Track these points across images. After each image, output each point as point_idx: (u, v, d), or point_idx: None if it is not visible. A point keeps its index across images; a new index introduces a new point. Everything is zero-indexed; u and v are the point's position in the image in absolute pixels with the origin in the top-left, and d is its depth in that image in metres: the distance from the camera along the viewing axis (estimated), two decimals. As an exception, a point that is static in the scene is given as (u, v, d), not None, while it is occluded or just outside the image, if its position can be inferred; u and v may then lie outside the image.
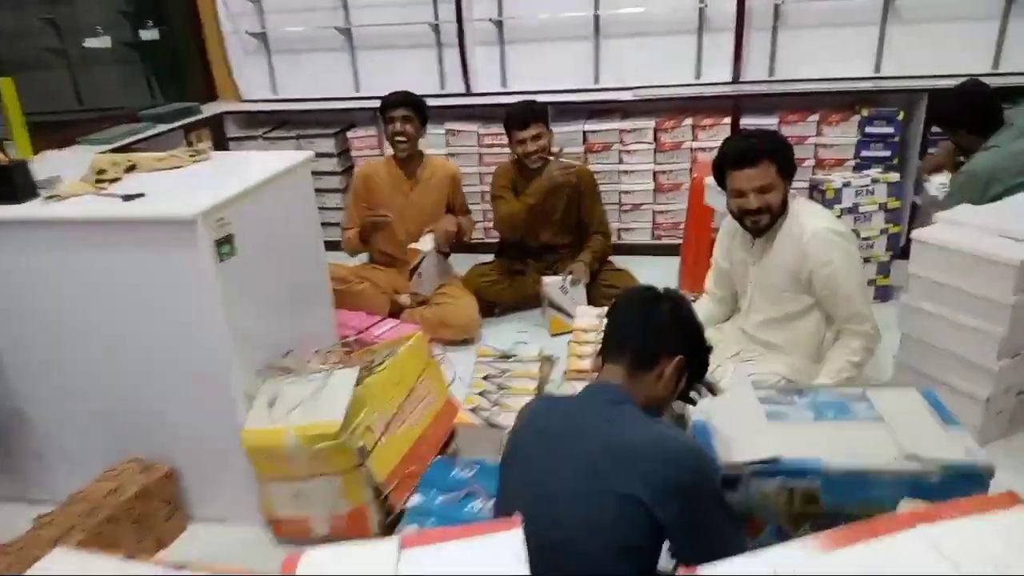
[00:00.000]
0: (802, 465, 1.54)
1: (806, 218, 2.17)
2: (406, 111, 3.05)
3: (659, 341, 1.48)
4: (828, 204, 3.00)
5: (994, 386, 2.16)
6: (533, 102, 3.18)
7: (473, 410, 2.26)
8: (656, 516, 1.24)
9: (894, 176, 3.01)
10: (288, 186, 2.19)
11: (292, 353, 2.13)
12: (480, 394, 2.36)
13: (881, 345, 2.26)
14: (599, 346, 1.56)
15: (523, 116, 3.06)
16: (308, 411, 1.92)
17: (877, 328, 2.18)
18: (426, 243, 3.08)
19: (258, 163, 2.21)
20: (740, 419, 1.71)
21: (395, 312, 3.11)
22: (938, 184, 2.92)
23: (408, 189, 3.18)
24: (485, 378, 2.48)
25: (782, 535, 1.57)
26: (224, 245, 1.88)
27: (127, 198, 1.93)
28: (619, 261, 3.61)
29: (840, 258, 2.13)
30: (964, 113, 2.69)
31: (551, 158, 3.11)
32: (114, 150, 3.33)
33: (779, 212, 2.20)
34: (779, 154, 2.16)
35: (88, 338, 2.00)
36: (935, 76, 3.43)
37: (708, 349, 1.58)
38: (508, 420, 2.19)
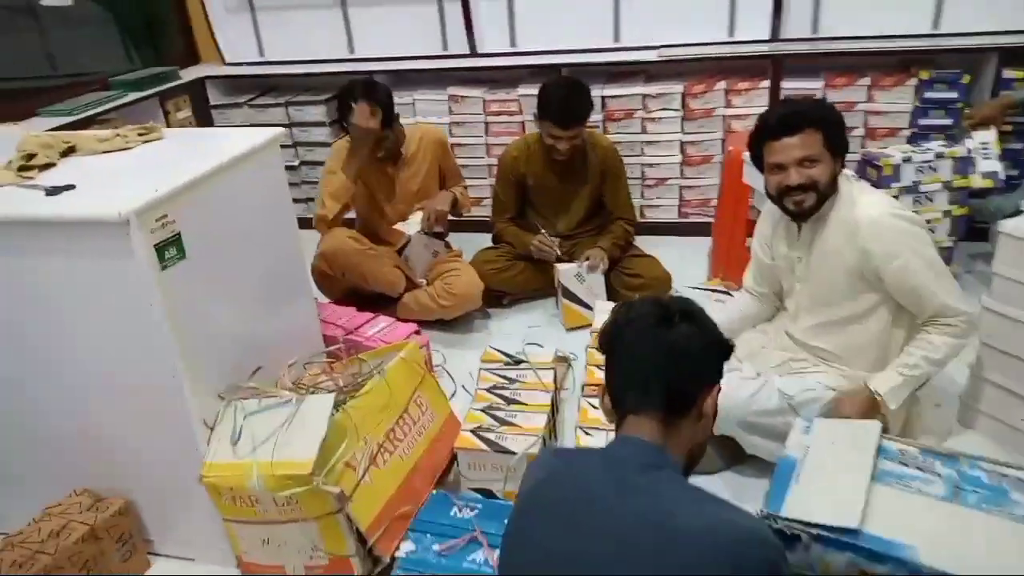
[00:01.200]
0: (886, 548, 1.22)
1: (862, 203, 1.81)
2: (376, 104, 2.62)
3: (694, 374, 1.15)
4: (885, 183, 2.61)
5: (1096, 408, 1.81)
6: (581, 93, 2.69)
7: (476, 431, 1.94)
8: None
9: (962, 150, 2.61)
10: (253, 169, 1.84)
11: (261, 371, 1.80)
12: (484, 410, 2.04)
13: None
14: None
15: (565, 115, 2.63)
16: (276, 446, 1.61)
17: (971, 320, 1.82)
18: (412, 225, 2.79)
19: (216, 144, 1.86)
20: (838, 470, 1.45)
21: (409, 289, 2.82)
22: (980, 143, 2.59)
23: (393, 171, 2.83)
24: (491, 389, 2.16)
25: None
26: (168, 248, 1.54)
27: (52, 191, 1.59)
28: (642, 242, 3.26)
29: (910, 247, 1.77)
30: None
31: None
32: (78, 121, 3.01)
33: (827, 192, 1.84)
34: (827, 123, 1.82)
35: (21, 356, 1.69)
36: (1004, 32, 2.99)
37: (731, 351, 1.23)
38: (518, 444, 1.88)
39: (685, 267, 3.07)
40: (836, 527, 1.33)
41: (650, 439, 1.12)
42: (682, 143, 3.33)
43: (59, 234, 1.50)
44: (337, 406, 1.70)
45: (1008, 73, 2.91)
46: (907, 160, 2.59)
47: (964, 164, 2.62)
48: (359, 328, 2.37)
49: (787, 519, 1.39)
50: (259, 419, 1.67)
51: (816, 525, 1.36)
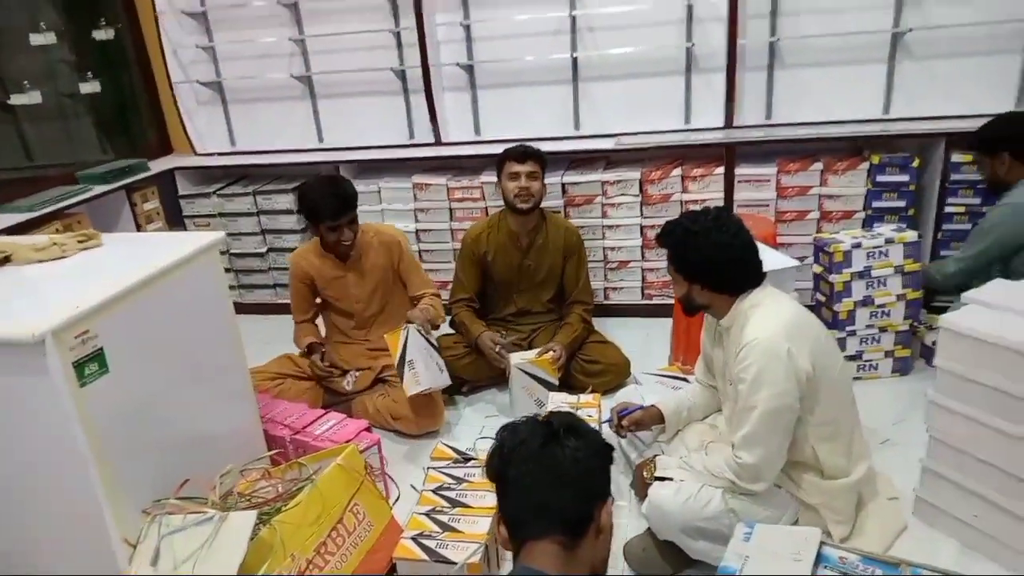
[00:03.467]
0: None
1: (754, 322, 1.81)
2: (351, 215, 2.63)
3: (586, 492, 1.15)
4: (836, 269, 2.63)
5: (1045, 506, 1.77)
6: (531, 145, 2.90)
7: (417, 538, 1.88)
8: None
9: (912, 235, 2.63)
10: (190, 274, 1.84)
11: (189, 483, 1.75)
12: (428, 514, 1.98)
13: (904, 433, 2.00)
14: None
15: (521, 149, 2.83)
16: (197, 565, 1.55)
17: (756, 472, 1.80)
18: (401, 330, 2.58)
19: (154, 251, 1.86)
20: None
21: (337, 403, 2.73)
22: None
23: (345, 272, 2.78)
24: (436, 490, 2.11)
25: None
26: (88, 365, 1.52)
27: (-25, 306, 1.59)
28: (607, 323, 3.27)
29: (755, 373, 1.75)
30: (997, 134, 2.53)
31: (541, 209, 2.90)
32: (41, 217, 3.03)
33: (701, 309, 1.96)
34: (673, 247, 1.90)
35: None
36: (952, 117, 3.07)
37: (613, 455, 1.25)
38: (458, 554, 1.82)
39: (649, 349, 3.07)
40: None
41: (551, 568, 1.09)
42: (642, 227, 3.37)
43: (-27, 353, 1.49)
44: (265, 520, 1.66)
45: (956, 157, 2.98)
46: (857, 246, 2.61)
47: (915, 248, 2.65)
48: (307, 427, 2.32)
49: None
50: (182, 537, 1.61)
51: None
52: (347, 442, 2.12)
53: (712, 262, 1.85)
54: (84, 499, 1.57)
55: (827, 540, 1.56)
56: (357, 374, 2.78)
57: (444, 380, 2.63)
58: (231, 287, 3.91)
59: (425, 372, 2.55)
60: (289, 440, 2.29)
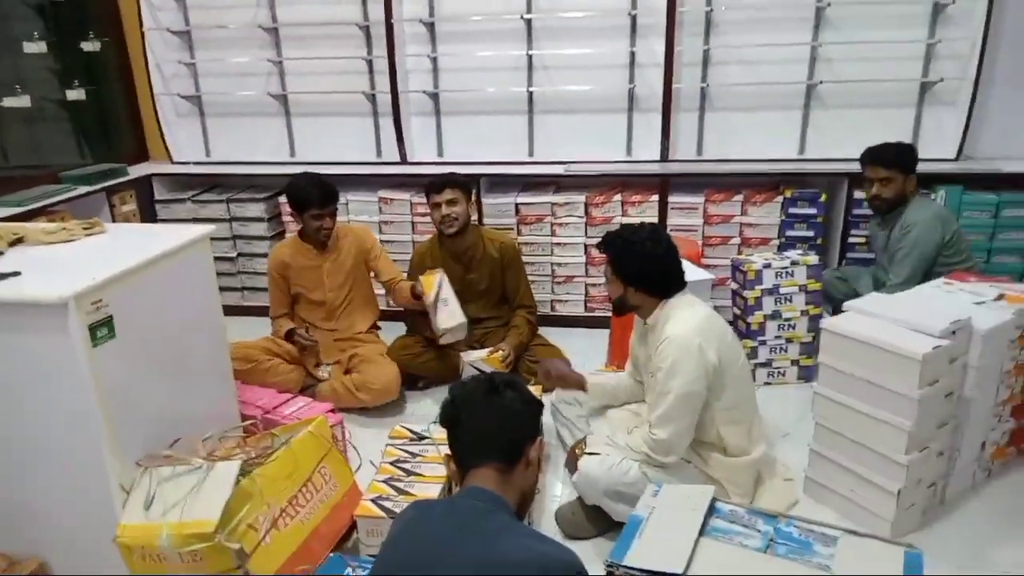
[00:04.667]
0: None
1: (673, 321, 2.16)
2: (334, 206, 3.05)
3: (519, 430, 1.46)
4: (749, 285, 3.02)
5: (905, 479, 2.13)
6: (455, 173, 3.20)
7: (376, 500, 2.15)
8: None
9: (813, 259, 3.05)
10: (183, 262, 2.10)
11: (179, 442, 2.00)
12: (386, 481, 2.25)
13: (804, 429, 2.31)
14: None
15: (440, 181, 3.10)
16: (185, 508, 1.80)
17: (668, 446, 2.13)
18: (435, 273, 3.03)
19: (153, 238, 2.12)
20: (673, 526, 1.70)
21: (310, 386, 3.00)
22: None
23: (322, 261, 3.11)
24: (394, 463, 2.38)
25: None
26: (100, 329, 1.77)
27: (0, 276, 1.82)
28: (553, 332, 3.59)
29: (671, 364, 2.09)
30: (911, 157, 2.92)
31: (475, 226, 3.19)
32: (26, 213, 3.23)
33: (632, 310, 2.30)
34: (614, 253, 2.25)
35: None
36: (856, 160, 3.51)
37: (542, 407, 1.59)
38: (411, 511, 2.10)
39: (589, 355, 3.39)
40: (665, 572, 1.59)
41: (490, 487, 1.39)
42: (586, 245, 3.73)
43: (5, 314, 1.73)
44: (245, 473, 1.91)
45: (859, 194, 3.42)
46: (767, 266, 3.01)
47: (816, 270, 3.05)
48: (277, 408, 2.58)
49: (626, 566, 1.64)
50: (171, 484, 1.86)
51: (649, 571, 1.61)
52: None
53: (646, 268, 2.20)
54: (88, 449, 1.81)
55: (720, 496, 1.89)
56: (331, 366, 3.05)
57: (464, 319, 3.01)
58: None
59: (456, 308, 2.98)
60: (260, 418, 2.54)
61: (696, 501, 1.84)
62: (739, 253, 3.54)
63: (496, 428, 1.44)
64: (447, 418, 1.50)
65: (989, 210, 3.35)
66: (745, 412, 2.26)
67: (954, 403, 2.24)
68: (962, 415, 2.28)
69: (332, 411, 2.61)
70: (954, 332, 2.13)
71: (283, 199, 3.93)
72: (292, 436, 2.13)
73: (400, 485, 2.22)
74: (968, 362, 2.23)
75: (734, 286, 3.17)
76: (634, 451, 2.19)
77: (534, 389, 2.77)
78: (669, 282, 2.23)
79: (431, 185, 3.12)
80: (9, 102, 3.37)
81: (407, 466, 2.34)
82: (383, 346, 3.18)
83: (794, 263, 3.02)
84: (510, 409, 1.46)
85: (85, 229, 2.18)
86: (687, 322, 2.14)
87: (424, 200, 3.73)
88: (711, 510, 1.80)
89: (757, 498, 2.33)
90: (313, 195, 2.95)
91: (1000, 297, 2.40)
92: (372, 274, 3.23)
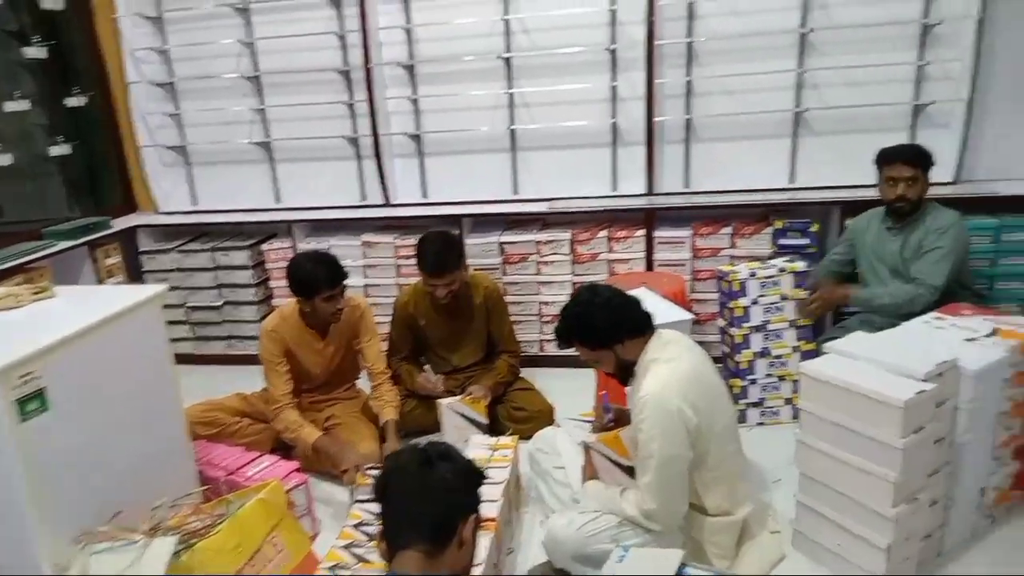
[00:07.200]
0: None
1: (652, 375, 2.04)
2: (343, 283, 2.74)
3: (451, 507, 1.35)
4: (734, 295, 2.89)
5: (894, 534, 1.99)
6: (450, 245, 2.94)
7: (333, 568, 2.05)
8: None
9: (800, 264, 2.93)
10: (131, 325, 2.05)
11: (121, 514, 1.92)
12: (347, 547, 2.15)
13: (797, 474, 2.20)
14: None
15: (436, 265, 2.88)
16: (120, 586, 1.72)
17: (659, 517, 2.00)
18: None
19: (102, 302, 2.07)
20: None
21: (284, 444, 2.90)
22: None
23: (319, 341, 2.90)
24: (357, 526, 2.28)
25: None
26: (30, 402, 1.72)
27: (-68, 350, 1.78)
28: (540, 373, 3.49)
29: (649, 426, 1.97)
30: (930, 157, 2.79)
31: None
32: (5, 271, 3.22)
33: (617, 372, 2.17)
34: (577, 333, 2.15)
35: None
36: (848, 187, 3.41)
37: (483, 478, 1.48)
38: (366, 582, 1.99)
39: (575, 397, 3.25)
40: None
41: (414, 571, 1.29)
42: (573, 283, 3.63)
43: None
44: (187, 547, 1.83)
45: (849, 222, 3.29)
46: (752, 275, 2.89)
47: (804, 278, 2.93)
48: (241, 468, 2.50)
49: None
50: (106, 562, 1.78)
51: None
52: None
53: (610, 320, 2.09)
54: (19, 524, 1.74)
55: (688, 561, 1.77)
56: None
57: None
58: (187, 339, 4.10)
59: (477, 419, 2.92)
60: (223, 480, 2.46)
61: (663, 566, 1.72)
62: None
63: (425, 506, 1.34)
64: (378, 492, 1.40)
65: (990, 235, 3.19)
66: (728, 472, 2.12)
67: (946, 449, 2.09)
68: (956, 461, 2.13)
69: (299, 470, 2.52)
70: (941, 374, 2.00)
71: (267, 246, 3.95)
72: (244, 504, 2.05)
73: (360, 552, 2.12)
74: (959, 405, 2.09)
75: (721, 323, 3.04)
76: (627, 515, 2.06)
77: (508, 439, 2.67)
78: (636, 319, 2.12)
79: (425, 264, 2.90)
80: (-10, 160, 3.39)
81: (371, 529, 2.24)
82: (361, 400, 3.07)
83: (781, 270, 2.90)
84: (442, 484, 1.36)
85: (34, 294, 2.14)
86: (663, 378, 2.01)
87: (408, 243, 3.73)
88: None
89: (742, 555, 2.19)
90: (321, 275, 2.65)
91: (994, 332, 2.26)
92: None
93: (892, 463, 1.94)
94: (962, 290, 2.79)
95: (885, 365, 2.05)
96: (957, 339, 2.24)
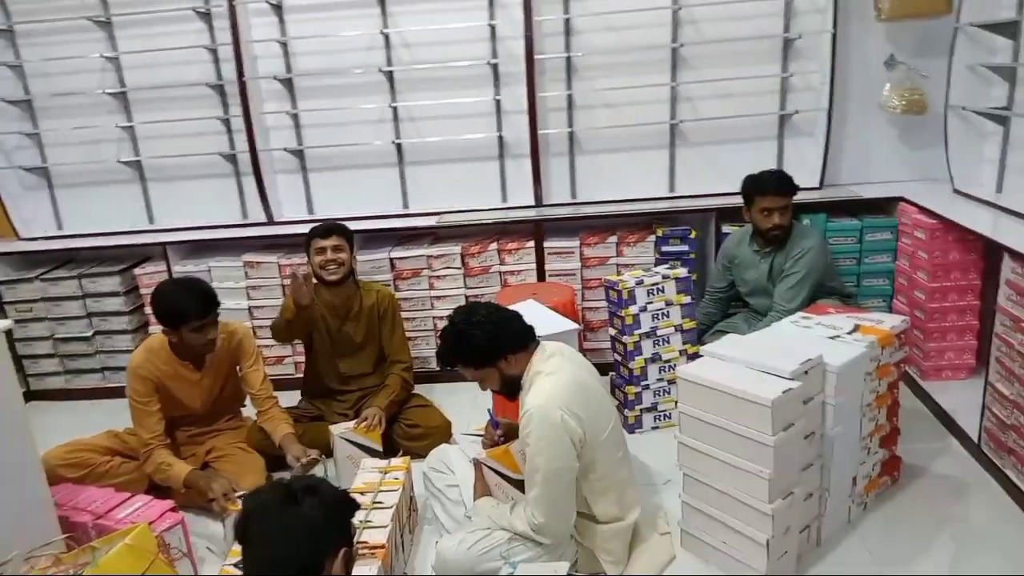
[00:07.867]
0: None
1: (535, 389, 2.04)
2: (215, 312, 2.58)
3: (317, 545, 1.28)
4: (624, 304, 2.95)
5: (772, 528, 2.06)
6: (341, 222, 3.09)
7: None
8: None
9: (682, 271, 3.03)
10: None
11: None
12: (225, 587, 2.04)
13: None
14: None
15: (327, 226, 2.99)
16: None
17: (548, 531, 2.01)
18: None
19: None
20: None
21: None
22: None
23: (194, 373, 2.71)
24: (238, 564, 2.16)
25: None
26: None
27: None
28: (437, 389, 3.44)
29: (535, 440, 1.97)
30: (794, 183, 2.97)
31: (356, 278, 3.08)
32: None
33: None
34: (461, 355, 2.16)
35: None
36: (722, 195, 3.55)
37: (356, 508, 1.42)
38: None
39: (473, 411, 3.23)
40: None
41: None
42: (466, 296, 3.61)
43: None
44: (40, 603, 1.67)
45: (726, 228, 3.43)
46: (639, 283, 2.96)
47: (686, 283, 3.02)
48: (111, 511, 2.32)
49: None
50: (-55, 629, 1.61)
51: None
52: (149, 523, 2.15)
53: (487, 338, 2.08)
54: None
55: (577, 570, 1.77)
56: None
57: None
58: (57, 373, 3.81)
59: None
60: (92, 525, 2.28)
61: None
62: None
63: (289, 549, 1.26)
64: (238, 533, 1.32)
65: (854, 235, 3.41)
66: (616, 479, 2.14)
67: (817, 443, 2.20)
68: (827, 454, 2.24)
69: (175, 509, 2.37)
70: (807, 372, 2.10)
71: (139, 270, 3.73)
72: (110, 550, 1.90)
73: (239, 592, 2.01)
74: (826, 400, 2.20)
75: (612, 332, 3.10)
76: (517, 530, 2.04)
77: (400, 461, 2.61)
78: (517, 332, 2.12)
79: (316, 230, 2.99)
80: None
81: (253, 565, 2.13)
82: (245, 429, 2.92)
83: (665, 277, 2.98)
84: (307, 522, 1.28)
85: None
86: (548, 391, 2.02)
87: (293, 262, 3.60)
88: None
89: (633, 559, 2.22)
90: (188, 305, 2.47)
91: (855, 329, 2.40)
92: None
93: (765, 460, 2.01)
94: (829, 293, 2.96)
95: (755, 365, 2.13)
96: (821, 337, 2.36)
